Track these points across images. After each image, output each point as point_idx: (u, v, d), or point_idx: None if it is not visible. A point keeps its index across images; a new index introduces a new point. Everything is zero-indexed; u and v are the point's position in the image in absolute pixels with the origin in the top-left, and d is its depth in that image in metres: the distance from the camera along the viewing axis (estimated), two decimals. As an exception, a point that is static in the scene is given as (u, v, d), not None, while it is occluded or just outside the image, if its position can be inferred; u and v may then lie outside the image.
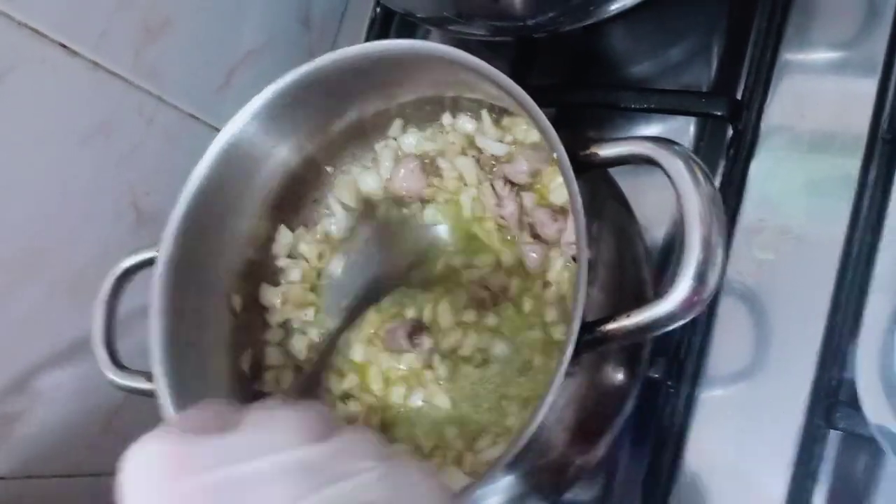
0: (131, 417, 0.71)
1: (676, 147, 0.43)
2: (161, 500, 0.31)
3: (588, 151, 0.45)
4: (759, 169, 0.61)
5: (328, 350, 0.60)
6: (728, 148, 0.62)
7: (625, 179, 0.54)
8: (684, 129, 0.65)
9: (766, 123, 0.61)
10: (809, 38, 0.62)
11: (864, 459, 0.54)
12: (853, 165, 0.58)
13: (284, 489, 0.30)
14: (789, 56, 0.62)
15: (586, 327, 0.43)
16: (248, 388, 0.62)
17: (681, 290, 0.41)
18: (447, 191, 0.62)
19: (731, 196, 0.60)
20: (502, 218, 0.59)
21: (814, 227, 0.58)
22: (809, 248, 0.58)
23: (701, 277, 0.40)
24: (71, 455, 0.68)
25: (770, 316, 0.58)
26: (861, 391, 0.47)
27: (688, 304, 0.41)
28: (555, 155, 0.45)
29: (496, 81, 0.49)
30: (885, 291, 0.47)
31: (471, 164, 0.61)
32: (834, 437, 0.54)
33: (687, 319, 0.41)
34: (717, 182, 0.61)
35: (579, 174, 0.44)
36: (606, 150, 0.45)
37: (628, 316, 0.42)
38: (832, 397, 0.54)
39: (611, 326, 0.43)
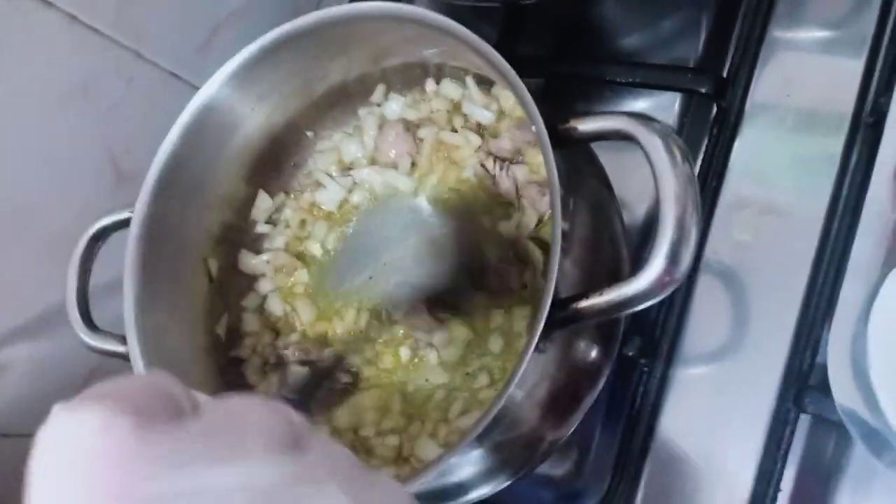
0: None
1: (656, 124, 0.42)
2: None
3: (567, 125, 0.45)
4: (743, 147, 0.60)
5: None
6: (712, 125, 0.61)
7: (607, 156, 0.54)
8: (670, 104, 0.64)
9: (751, 101, 0.61)
10: (799, 16, 0.61)
11: (832, 443, 0.54)
12: (837, 146, 0.57)
13: None
14: (778, 33, 0.61)
15: (559, 303, 0.43)
16: (225, 354, 0.61)
17: (653, 269, 0.41)
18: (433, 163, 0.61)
19: (713, 174, 0.59)
20: (501, 195, 0.58)
21: (795, 208, 0.58)
22: (789, 229, 0.57)
23: (674, 257, 0.40)
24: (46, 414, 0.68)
25: (746, 297, 0.58)
26: (831, 376, 0.47)
27: (660, 284, 0.41)
28: (533, 127, 0.45)
29: (477, 49, 0.48)
30: (860, 278, 0.47)
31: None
32: (804, 420, 0.54)
33: (659, 298, 0.41)
34: (700, 160, 0.61)
35: (558, 148, 0.44)
36: (585, 125, 0.45)
37: (601, 293, 0.42)
38: (803, 381, 0.54)
39: (583, 304, 0.43)
